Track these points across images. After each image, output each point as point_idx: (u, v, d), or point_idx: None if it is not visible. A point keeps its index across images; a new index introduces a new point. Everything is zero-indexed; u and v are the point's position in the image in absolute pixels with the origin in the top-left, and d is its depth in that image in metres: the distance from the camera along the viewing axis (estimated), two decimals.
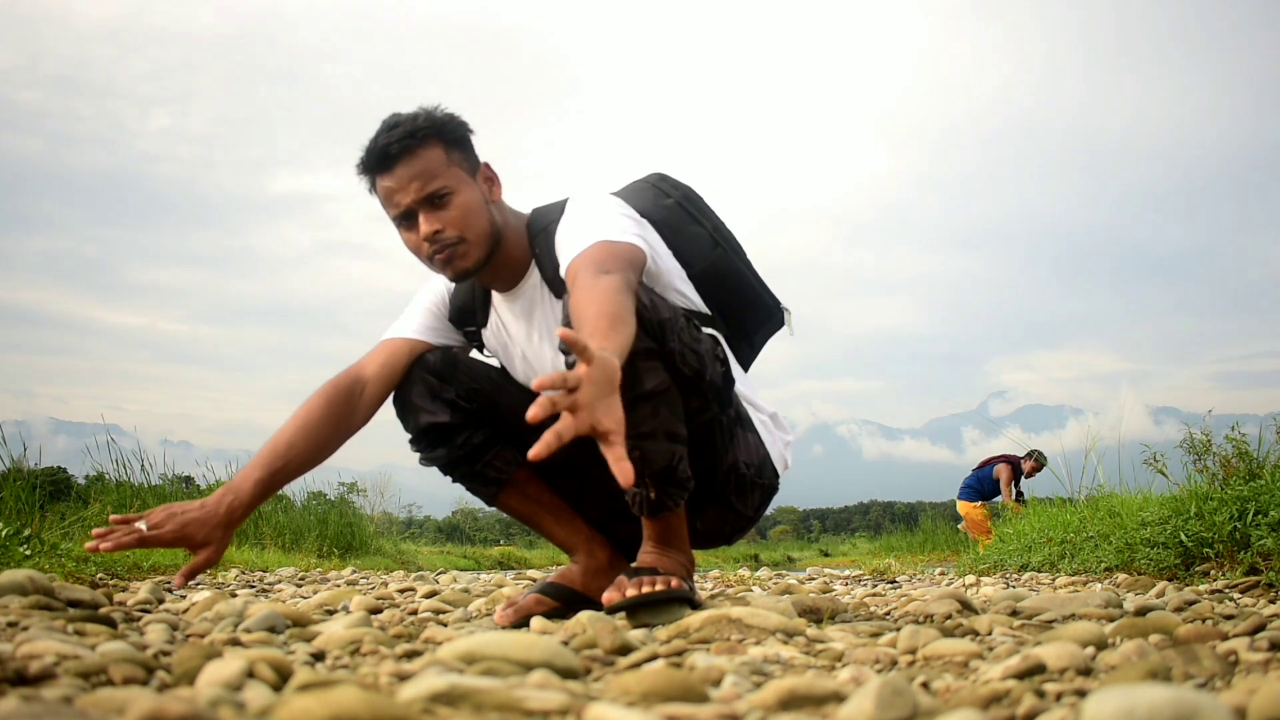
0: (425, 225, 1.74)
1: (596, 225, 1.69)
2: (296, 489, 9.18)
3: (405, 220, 1.78)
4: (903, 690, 0.80)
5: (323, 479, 9.83)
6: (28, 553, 2.77)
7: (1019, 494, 8.84)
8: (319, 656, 1.22)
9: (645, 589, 1.63)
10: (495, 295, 1.94)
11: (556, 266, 1.77)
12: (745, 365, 2.04)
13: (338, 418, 1.83)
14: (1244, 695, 0.77)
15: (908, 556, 9.92)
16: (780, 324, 2.08)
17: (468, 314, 2.00)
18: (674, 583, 1.66)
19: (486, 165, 1.84)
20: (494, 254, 1.81)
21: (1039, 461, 8.92)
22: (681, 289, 1.85)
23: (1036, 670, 1.01)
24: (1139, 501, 4.00)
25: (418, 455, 1.95)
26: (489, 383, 1.91)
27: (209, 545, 1.70)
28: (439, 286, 2.02)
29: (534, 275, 1.87)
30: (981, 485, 9.20)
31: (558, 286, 1.81)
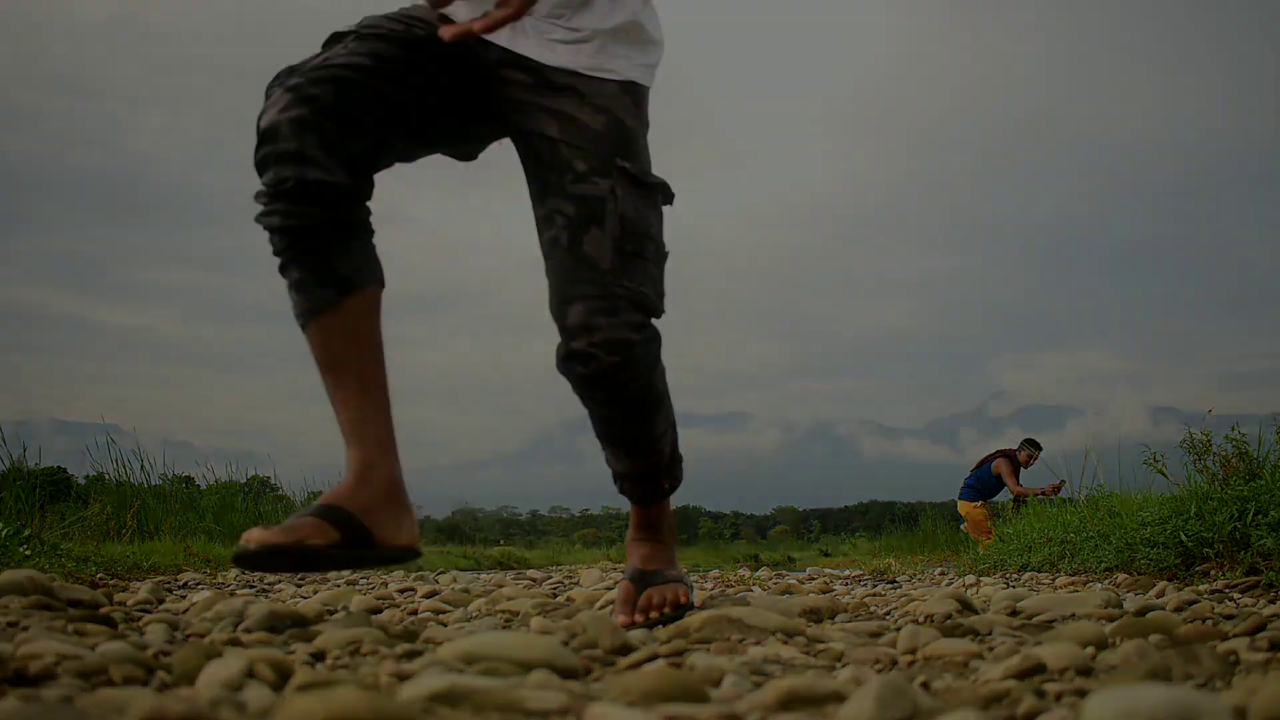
0: None
1: None
2: (296, 488, 9.16)
3: None
4: (903, 690, 0.80)
5: (323, 479, 9.79)
6: (28, 553, 2.78)
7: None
8: (319, 656, 1.22)
9: (654, 614, 1.67)
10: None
11: None
12: None
13: None
14: (1244, 695, 0.77)
15: (908, 556, 9.90)
16: None
17: None
18: (683, 595, 1.71)
19: None
20: None
21: (1033, 451, 8.94)
22: None
23: (1036, 670, 1.01)
24: (1139, 501, 4.00)
25: (261, 206, 1.40)
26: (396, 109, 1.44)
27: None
28: None
29: None
30: (981, 485, 9.19)
31: None
